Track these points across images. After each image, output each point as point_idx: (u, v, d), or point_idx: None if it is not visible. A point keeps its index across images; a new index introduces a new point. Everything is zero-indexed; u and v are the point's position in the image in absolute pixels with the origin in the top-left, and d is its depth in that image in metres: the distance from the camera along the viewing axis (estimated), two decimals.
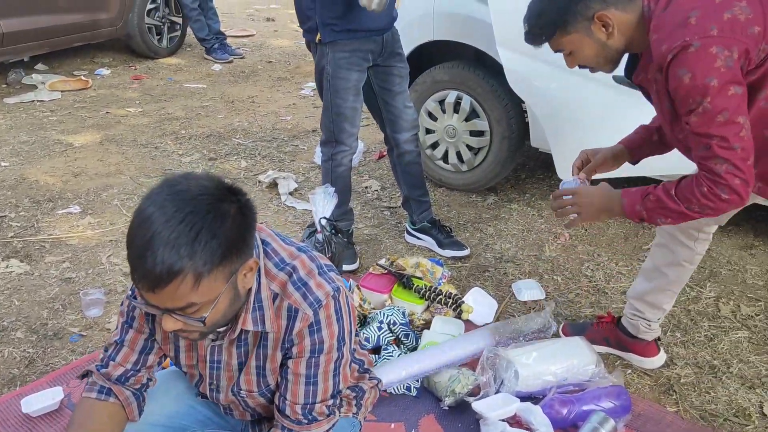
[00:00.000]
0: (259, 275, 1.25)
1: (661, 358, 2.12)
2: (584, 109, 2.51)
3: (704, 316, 2.35)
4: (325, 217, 2.06)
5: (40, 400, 1.86)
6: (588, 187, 1.69)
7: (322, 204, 2.04)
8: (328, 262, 1.35)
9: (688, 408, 1.95)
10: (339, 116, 2.44)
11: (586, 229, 2.95)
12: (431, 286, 2.32)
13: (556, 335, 2.23)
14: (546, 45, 1.60)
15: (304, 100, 4.66)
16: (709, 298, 2.46)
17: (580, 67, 1.59)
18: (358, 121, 2.50)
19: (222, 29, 5.72)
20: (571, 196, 1.68)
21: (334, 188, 2.15)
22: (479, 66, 3.02)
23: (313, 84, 4.67)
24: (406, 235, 2.87)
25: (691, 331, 2.28)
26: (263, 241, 1.29)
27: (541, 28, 1.55)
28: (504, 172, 3.17)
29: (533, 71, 2.49)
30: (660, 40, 1.38)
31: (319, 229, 2.06)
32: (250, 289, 1.23)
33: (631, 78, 1.60)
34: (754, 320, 2.33)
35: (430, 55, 3.23)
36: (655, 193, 1.49)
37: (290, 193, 3.25)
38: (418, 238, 2.81)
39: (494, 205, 3.19)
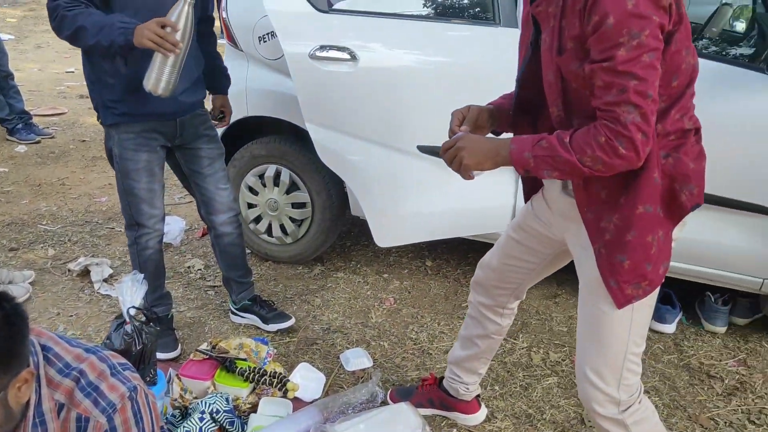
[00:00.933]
0: (39, 386, 1.13)
1: (482, 413, 2.20)
2: (393, 179, 2.63)
3: (519, 367, 2.50)
4: (134, 307, 1.94)
5: None
6: (470, 133, 1.53)
7: (130, 292, 1.93)
8: (123, 360, 1.26)
9: None
10: (134, 198, 2.33)
11: (409, 292, 3.05)
12: (256, 367, 2.26)
13: (385, 402, 2.25)
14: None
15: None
16: (522, 348, 2.62)
17: None
18: (159, 202, 2.39)
19: (27, 108, 5.34)
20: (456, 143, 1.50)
21: (143, 275, 2.03)
22: (296, 139, 3.07)
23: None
24: (230, 314, 2.78)
25: (508, 382, 2.40)
26: (43, 347, 1.17)
27: None
28: (328, 241, 3.21)
29: (341, 145, 2.58)
30: None
31: (127, 320, 1.94)
32: (28, 402, 1.11)
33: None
34: (562, 366, 2.50)
35: (248, 129, 3.24)
36: (549, 139, 1.36)
37: (104, 280, 3.04)
38: (242, 317, 2.74)
39: (321, 275, 3.21)
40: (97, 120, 2.33)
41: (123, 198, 2.35)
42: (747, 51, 2.84)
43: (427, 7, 2.92)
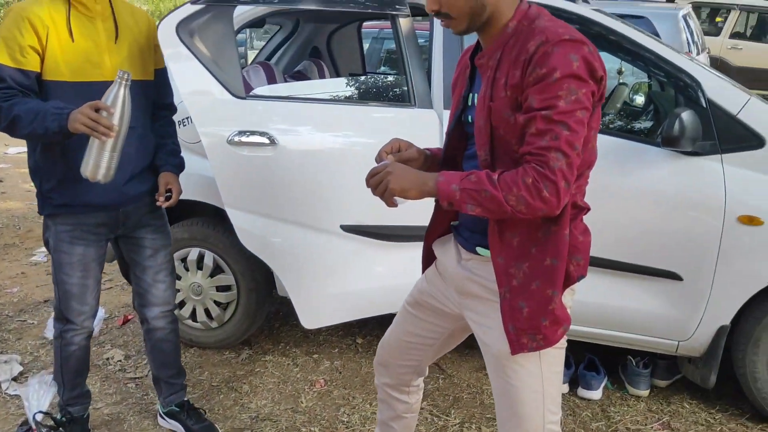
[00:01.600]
0: None
1: None
2: (316, 259, 2.62)
3: None
4: (41, 412, 1.82)
5: None
6: (398, 163, 1.53)
7: (36, 396, 1.81)
8: None
9: None
10: (66, 293, 2.23)
11: (340, 372, 2.99)
12: None
13: None
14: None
15: (36, 268, 4.25)
16: (455, 425, 2.60)
17: (435, 14, 1.51)
18: (92, 298, 2.28)
19: None
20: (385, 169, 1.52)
21: (51, 376, 1.92)
22: (219, 221, 3.04)
23: (43, 249, 4.29)
24: (158, 415, 2.63)
25: None
26: None
27: None
28: (256, 323, 3.14)
29: (263, 228, 2.57)
30: (556, 27, 1.39)
31: (33, 426, 1.81)
32: None
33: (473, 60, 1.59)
34: None
35: (170, 213, 3.18)
36: (478, 174, 1.40)
37: (14, 379, 2.86)
38: (168, 422, 2.58)
39: (248, 359, 3.12)
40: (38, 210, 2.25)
41: (55, 290, 2.25)
42: (646, 124, 3.04)
43: (346, 91, 3.00)
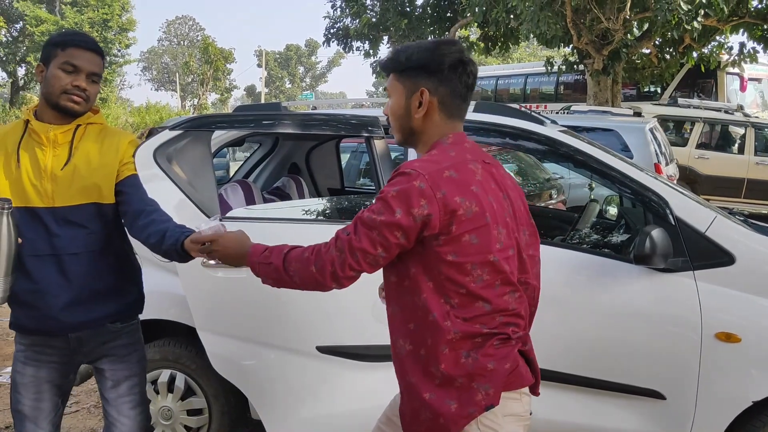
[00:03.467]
0: None
1: None
2: (291, 382, 2.55)
3: None
4: None
5: None
6: (226, 234, 1.83)
7: None
8: None
9: None
10: (18, 413, 2.13)
11: None
12: None
13: None
14: None
15: (1, 389, 4.08)
16: None
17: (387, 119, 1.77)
18: (46, 423, 2.16)
19: None
20: (210, 243, 1.82)
21: None
22: (192, 341, 2.96)
23: (9, 369, 4.13)
24: None
25: None
26: None
27: (384, 63, 1.73)
28: None
29: (236, 351, 2.51)
30: (418, 159, 1.63)
31: None
32: None
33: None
34: None
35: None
36: (275, 251, 1.70)
37: None
38: None
39: None
40: None
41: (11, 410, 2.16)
42: (619, 239, 3.08)
43: (323, 210, 3.04)
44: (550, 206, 5.67)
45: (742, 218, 2.78)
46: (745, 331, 2.37)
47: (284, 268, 1.63)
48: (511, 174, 6.32)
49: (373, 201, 1.58)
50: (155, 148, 2.52)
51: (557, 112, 7.90)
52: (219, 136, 2.99)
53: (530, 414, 1.69)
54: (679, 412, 2.45)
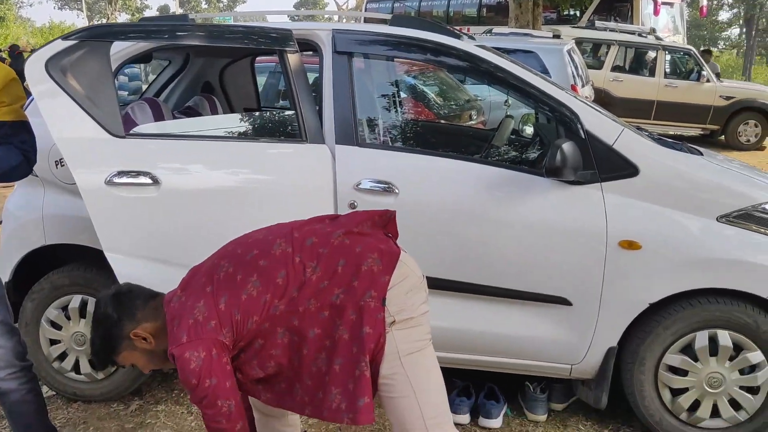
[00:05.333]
0: None
1: None
2: None
3: None
4: None
5: None
6: None
7: None
8: None
9: None
10: None
11: None
12: None
13: None
14: None
15: None
16: None
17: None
18: None
19: None
20: None
21: None
22: (103, 266, 2.86)
23: None
24: None
25: None
26: None
27: (99, 356, 1.82)
28: (154, 371, 2.96)
29: (147, 273, 2.44)
30: (169, 346, 1.69)
31: None
32: None
33: None
34: None
35: (47, 259, 2.98)
36: None
37: None
38: None
39: (139, 410, 2.94)
40: None
41: None
42: (533, 155, 3.14)
43: (236, 128, 2.94)
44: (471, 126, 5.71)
45: (647, 134, 2.88)
46: (646, 239, 2.49)
47: None
48: (433, 95, 6.32)
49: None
50: (47, 59, 2.33)
51: (480, 35, 7.88)
52: (121, 50, 2.80)
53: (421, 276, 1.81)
54: (584, 317, 2.58)
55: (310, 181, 2.62)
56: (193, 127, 2.75)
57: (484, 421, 2.79)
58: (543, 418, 2.85)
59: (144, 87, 8.02)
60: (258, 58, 4.61)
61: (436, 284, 2.54)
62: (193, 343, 1.62)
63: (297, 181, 2.61)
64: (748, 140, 10.88)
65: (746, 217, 2.51)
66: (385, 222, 1.84)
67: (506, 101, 3.84)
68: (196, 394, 1.66)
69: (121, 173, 2.42)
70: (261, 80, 6.53)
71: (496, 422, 2.80)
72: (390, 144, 3.26)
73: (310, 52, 2.95)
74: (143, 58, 3.13)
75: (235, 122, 3.02)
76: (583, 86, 7.55)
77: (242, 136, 2.86)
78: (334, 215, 1.88)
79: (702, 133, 11.21)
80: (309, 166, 2.63)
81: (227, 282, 1.68)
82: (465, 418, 2.82)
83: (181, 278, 2.41)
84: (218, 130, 2.80)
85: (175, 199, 2.47)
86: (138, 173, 2.44)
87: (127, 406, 2.97)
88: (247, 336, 1.67)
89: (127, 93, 9.12)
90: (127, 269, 2.42)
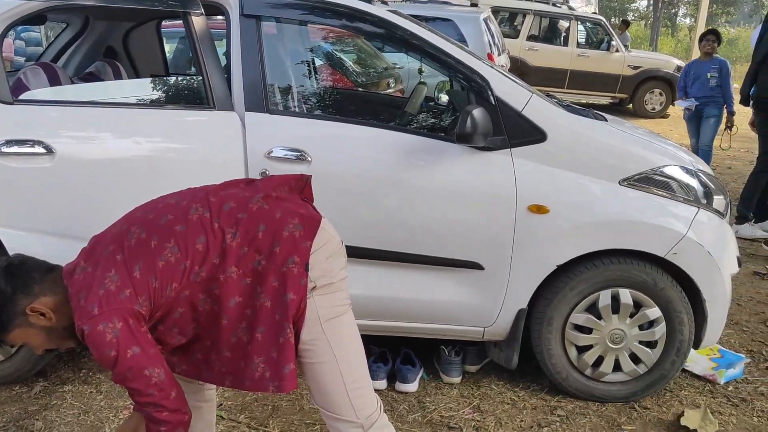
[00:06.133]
0: None
1: None
2: None
3: None
4: None
5: None
6: None
7: None
8: None
9: None
10: None
11: None
12: None
13: None
14: None
15: None
16: None
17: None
18: None
19: None
20: None
21: None
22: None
23: None
24: None
25: None
26: None
27: None
28: (50, 353, 2.83)
29: (42, 247, 2.31)
30: (76, 321, 1.56)
31: None
32: None
33: None
34: None
35: None
36: None
37: None
38: None
39: (43, 392, 2.81)
40: None
41: None
42: (446, 122, 3.16)
43: (139, 94, 2.80)
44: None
45: (556, 100, 2.94)
46: (553, 203, 2.56)
47: None
48: (350, 63, 6.25)
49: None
50: None
51: (399, 2, 7.83)
52: (8, 10, 2.60)
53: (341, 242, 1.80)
54: (495, 280, 2.64)
55: (219, 150, 2.54)
56: (92, 94, 2.60)
57: (400, 386, 2.83)
58: (458, 380, 2.92)
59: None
60: (167, 23, 4.41)
61: (350, 252, 2.52)
62: (105, 314, 1.51)
63: (205, 150, 2.53)
64: (654, 108, 11.40)
65: (647, 180, 2.62)
66: (302, 187, 1.81)
67: (420, 68, 3.82)
68: (119, 368, 1.53)
69: (9, 142, 2.27)
70: (171, 47, 6.28)
71: (413, 386, 2.84)
72: (303, 111, 3.20)
73: (219, 16, 2.84)
74: (35, 19, 2.93)
75: (138, 88, 2.88)
76: (499, 55, 7.66)
77: (146, 103, 2.73)
78: (249, 179, 1.81)
79: (611, 101, 11.66)
80: (217, 134, 2.55)
81: (141, 248, 1.58)
82: (382, 384, 2.85)
83: (76, 251, 2.30)
84: (120, 97, 2.66)
85: (72, 170, 2.35)
86: (29, 142, 2.29)
87: (31, 388, 2.83)
88: (165, 305, 1.59)
89: (24, 59, 8.57)
90: (19, 244, 2.29)
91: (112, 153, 2.45)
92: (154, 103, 2.76)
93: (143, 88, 2.88)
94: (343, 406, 1.70)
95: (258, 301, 1.59)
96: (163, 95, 2.89)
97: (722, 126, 6.20)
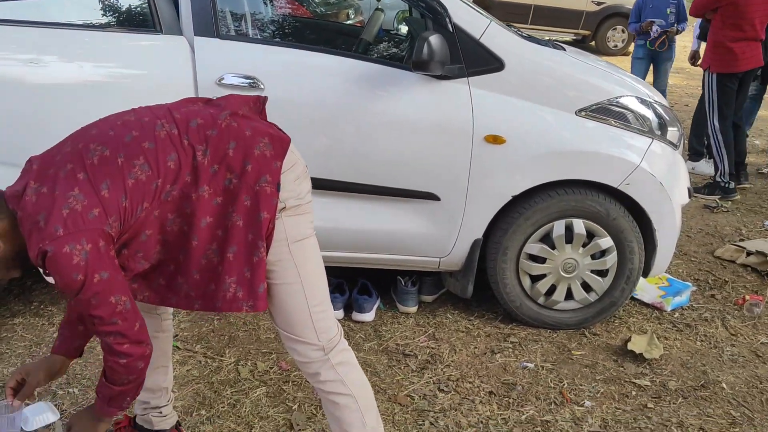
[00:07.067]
0: None
1: None
2: None
3: (226, 384, 2.41)
4: None
5: None
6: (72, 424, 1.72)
7: None
8: None
9: None
10: None
11: None
12: None
13: None
14: None
15: None
16: (230, 364, 2.53)
17: None
18: None
19: None
20: None
21: None
22: None
23: None
24: None
25: (215, 403, 2.30)
26: None
27: None
28: (0, 283, 2.77)
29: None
30: (29, 244, 1.43)
31: None
32: None
33: None
34: (270, 374, 2.48)
35: None
36: (101, 390, 1.62)
37: None
38: None
39: None
40: None
41: None
42: (403, 50, 3.10)
43: (79, 14, 2.66)
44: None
45: (514, 30, 2.89)
46: (510, 133, 2.55)
47: (126, 381, 1.57)
48: None
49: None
50: None
51: None
52: None
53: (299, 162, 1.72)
54: (451, 211, 2.65)
55: (167, 76, 2.44)
56: (28, 12, 2.45)
57: (357, 316, 2.86)
58: (414, 309, 2.96)
59: None
60: None
61: None
62: (72, 235, 1.38)
63: (153, 76, 2.44)
64: (616, 45, 11.39)
65: (603, 111, 2.62)
66: (260, 108, 1.74)
67: None
68: (84, 294, 1.42)
69: None
70: None
71: (369, 316, 2.87)
72: (256, 37, 3.09)
73: None
74: None
75: (79, 7, 2.73)
76: None
77: (89, 25, 2.59)
78: (206, 98, 1.72)
79: (574, 38, 11.59)
80: (165, 59, 2.45)
81: (106, 166, 1.46)
82: (339, 314, 2.87)
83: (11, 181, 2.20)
84: (60, 16, 2.52)
85: (12, 94, 2.23)
86: None
87: None
88: (134, 227, 1.51)
89: None
90: None
91: (55, 77, 2.33)
92: (98, 25, 2.62)
93: (86, 8, 2.73)
94: (306, 328, 1.68)
95: (230, 221, 1.53)
96: (108, 17, 2.75)
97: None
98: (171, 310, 1.96)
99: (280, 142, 1.60)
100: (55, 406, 2.24)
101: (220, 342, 2.67)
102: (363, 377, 1.78)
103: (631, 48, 11.58)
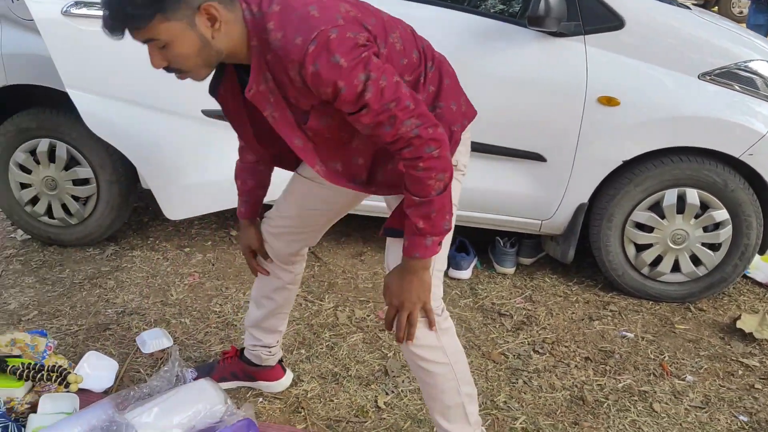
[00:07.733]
0: None
1: (287, 378, 2.17)
2: (175, 146, 2.47)
3: (325, 327, 2.50)
4: None
5: None
6: (386, 286, 1.55)
7: None
8: None
9: (316, 420, 2.03)
10: None
11: (213, 264, 2.92)
12: (32, 363, 2.03)
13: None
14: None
15: None
16: (329, 309, 2.62)
17: (168, 69, 1.36)
18: None
19: None
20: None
21: None
22: (70, 109, 2.78)
23: None
24: None
25: (314, 344, 2.40)
26: None
27: (137, 7, 1.25)
28: (121, 218, 2.98)
29: (113, 112, 2.37)
30: (289, 36, 1.30)
31: None
32: None
33: (216, 94, 1.57)
34: (366, 321, 2.55)
35: (13, 99, 2.88)
36: (414, 221, 1.42)
37: None
38: None
39: (114, 255, 2.97)
40: None
41: None
42: (517, 5, 3.01)
43: None
44: None
45: None
46: (625, 95, 2.45)
47: (439, 188, 1.38)
48: None
49: (343, 90, 1.30)
50: None
51: None
52: None
53: None
54: (557, 173, 2.59)
55: None
56: None
57: (454, 272, 2.87)
58: (511, 271, 2.94)
59: None
60: None
61: None
62: (352, 25, 1.31)
63: None
64: (741, 12, 10.58)
65: (728, 75, 2.47)
66: None
67: None
68: (373, 72, 1.30)
69: (78, 3, 2.28)
70: None
71: (466, 273, 2.88)
72: None
73: None
74: None
75: None
76: None
77: None
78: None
79: (695, 3, 10.85)
80: None
81: (371, 16, 1.41)
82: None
83: (148, 119, 2.33)
84: None
85: None
86: (95, 4, 2.29)
87: (103, 251, 3.00)
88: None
89: None
90: (91, 107, 2.35)
91: None
92: None
93: None
94: None
95: None
96: None
97: None
98: (303, 264, 1.98)
99: (469, 107, 1.62)
100: (169, 333, 2.42)
101: (320, 287, 2.77)
102: (461, 347, 1.70)
103: None
